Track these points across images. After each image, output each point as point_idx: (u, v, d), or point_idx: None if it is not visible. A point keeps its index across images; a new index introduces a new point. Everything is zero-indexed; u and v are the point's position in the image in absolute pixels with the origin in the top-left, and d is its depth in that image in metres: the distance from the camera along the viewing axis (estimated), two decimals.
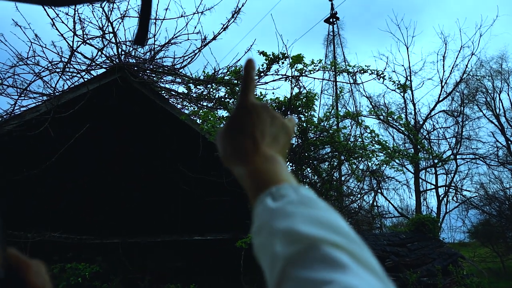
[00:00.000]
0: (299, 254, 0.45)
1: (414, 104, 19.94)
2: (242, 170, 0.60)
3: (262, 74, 6.16)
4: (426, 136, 20.03)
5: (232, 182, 6.23)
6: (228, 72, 6.08)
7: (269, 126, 0.65)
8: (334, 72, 6.52)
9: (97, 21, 5.77)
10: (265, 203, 0.53)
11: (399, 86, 6.50)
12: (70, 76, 6.14)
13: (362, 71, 6.28)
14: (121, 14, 6.05)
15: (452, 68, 19.74)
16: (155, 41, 5.99)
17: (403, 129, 12.10)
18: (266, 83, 6.15)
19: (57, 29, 5.21)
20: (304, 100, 6.31)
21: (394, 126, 14.95)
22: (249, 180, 0.58)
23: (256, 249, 0.52)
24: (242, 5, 5.35)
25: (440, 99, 19.80)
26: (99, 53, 5.92)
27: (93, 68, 6.13)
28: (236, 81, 5.93)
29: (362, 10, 34.04)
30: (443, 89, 19.81)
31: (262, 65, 6.20)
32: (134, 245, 6.81)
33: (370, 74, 6.20)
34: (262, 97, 6.35)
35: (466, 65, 19.51)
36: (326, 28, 20.80)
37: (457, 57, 19.66)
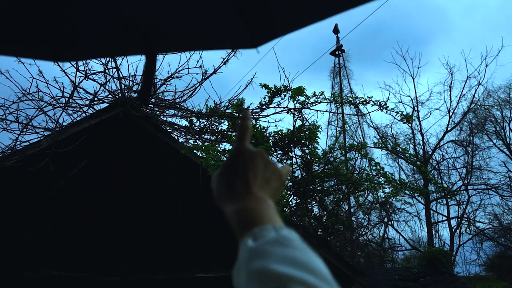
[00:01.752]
0: None
1: (422, 134, 19.81)
2: (232, 208, 0.63)
3: (264, 106, 6.14)
4: (436, 167, 19.76)
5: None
6: (230, 106, 6.07)
7: (262, 170, 0.69)
8: (336, 104, 6.48)
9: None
10: (246, 243, 0.55)
11: (403, 117, 6.45)
12: (73, 111, 6.16)
13: (365, 102, 6.25)
14: None
15: (459, 98, 19.70)
16: (155, 76, 6.02)
17: (413, 159, 11.95)
18: (268, 115, 6.13)
19: (59, 65, 5.27)
20: (307, 132, 6.25)
21: (402, 157, 14.79)
22: (237, 218, 0.61)
23: None
24: None
25: (449, 129, 19.67)
26: (102, 88, 5.96)
27: (96, 103, 6.16)
28: (237, 114, 5.92)
29: (369, 42, 34.45)
30: (451, 119, 19.71)
31: (264, 98, 6.20)
32: (134, 283, 6.63)
33: (372, 105, 6.17)
34: (264, 130, 6.30)
35: (473, 95, 19.48)
36: (333, 60, 20.88)
37: (463, 87, 19.66)
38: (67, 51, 0.97)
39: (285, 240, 0.53)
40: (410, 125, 19.57)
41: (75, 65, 5.55)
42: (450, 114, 19.74)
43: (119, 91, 6.16)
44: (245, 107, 6.05)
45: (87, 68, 5.69)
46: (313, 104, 6.01)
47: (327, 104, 6.26)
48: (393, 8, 35.17)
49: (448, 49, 37.09)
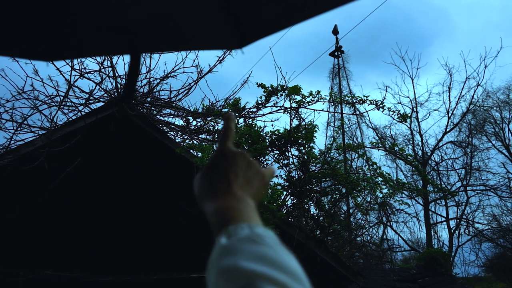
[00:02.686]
0: None
1: (421, 135, 19.82)
2: (212, 207, 0.63)
3: (260, 106, 6.11)
4: (435, 168, 19.74)
5: None
6: (226, 105, 6.04)
7: (244, 170, 0.70)
8: (333, 103, 6.45)
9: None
10: (219, 241, 0.55)
11: (399, 116, 6.42)
12: (69, 110, 6.12)
13: (361, 101, 6.22)
14: None
15: (458, 99, 19.69)
16: (149, 74, 5.99)
17: (410, 159, 11.93)
18: (264, 115, 6.09)
19: (53, 63, 5.23)
20: (303, 132, 6.22)
21: (400, 157, 14.79)
22: (214, 217, 0.61)
23: None
24: None
25: (447, 130, 19.66)
26: (97, 87, 5.92)
27: (91, 102, 6.12)
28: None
29: (371, 42, 34.43)
30: (450, 120, 19.70)
31: (261, 97, 6.17)
32: (129, 283, 6.59)
33: (369, 104, 6.15)
34: (260, 129, 6.26)
35: (472, 96, 19.49)
36: (332, 61, 20.85)
37: (462, 88, 19.65)
38: (50, 50, 0.96)
39: (258, 237, 0.54)
40: (409, 126, 19.58)
41: (70, 64, 5.52)
42: (449, 115, 19.76)
43: (114, 90, 6.12)
44: (241, 106, 6.03)
45: (83, 67, 5.65)
46: (310, 103, 5.99)
47: (323, 104, 6.26)
48: (395, 9, 35.13)
49: (449, 49, 37.13)
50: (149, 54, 5.74)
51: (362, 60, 33.11)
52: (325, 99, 6.02)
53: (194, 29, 0.94)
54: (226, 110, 6.00)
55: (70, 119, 6.15)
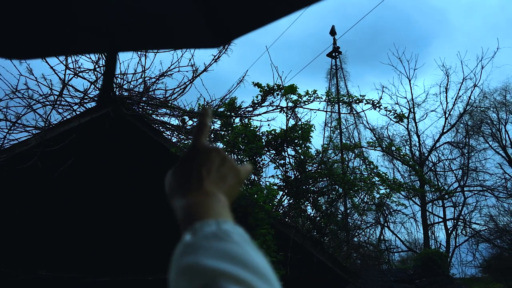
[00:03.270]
0: None
1: (418, 136, 19.82)
2: (181, 203, 0.61)
3: (256, 105, 6.08)
4: (432, 168, 19.75)
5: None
6: (222, 104, 6.00)
7: (217, 166, 0.68)
8: (329, 103, 6.43)
9: (88, 54, 5.73)
10: (183, 238, 0.52)
11: (395, 115, 6.41)
12: (64, 110, 6.08)
13: (358, 101, 6.20)
14: None
15: (455, 100, 19.72)
16: (144, 73, 5.95)
17: (407, 159, 11.91)
18: (260, 114, 6.06)
19: (47, 62, 5.19)
20: (299, 132, 6.19)
21: (398, 158, 14.78)
22: (182, 214, 0.59)
23: None
24: None
25: (445, 130, 19.69)
26: (92, 86, 5.88)
27: (86, 101, 6.08)
28: (229, 113, 5.84)
29: (369, 43, 34.41)
30: (447, 120, 19.73)
31: (257, 97, 6.13)
32: (126, 283, 6.54)
33: (365, 103, 6.13)
34: (257, 129, 6.23)
35: (469, 97, 19.51)
36: (330, 62, 20.83)
37: (459, 89, 19.67)
38: (23, 49, 0.93)
39: (224, 234, 0.51)
40: (406, 126, 19.59)
41: (64, 63, 5.47)
42: (446, 116, 19.78)
43: (109, 89, 6.07)
44: (237, 105, 6.00)
45: (77, 66, 5.61)
46: (306, 103, 5.97)
47: (319, 103, 6.23)
48: (394, 9, 35.16)
49: (448, 50, 37.18)
50: (144, 53, 5.70)
51: (360, 61, 33.18)
52: (321, 98, 6.01)
53: (173, 27, 0.91)
54: (222, 109, 5.96)
55: (65, 119, 6.11)
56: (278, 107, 6.02)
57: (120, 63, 6.11)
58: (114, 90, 6.16)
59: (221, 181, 0.67)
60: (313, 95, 5.88)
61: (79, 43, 0.93)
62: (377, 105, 6.04)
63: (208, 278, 0.44)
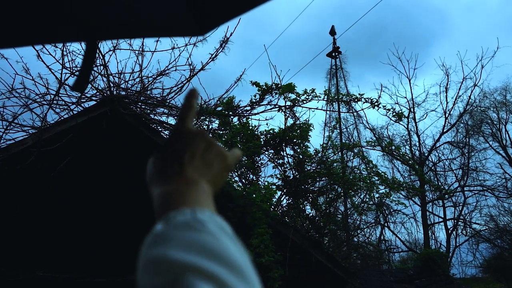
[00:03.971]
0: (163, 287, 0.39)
1: (418, 136, 19.80)
2: (159, 190, 0.57)
3: (255, 105, 6.04)
4: (432, 168, 19.72)
5: (226, 215, 6.00)
6: (220, 103, 5.97)
7: (202, 151, 0.63)
8: (327, 102, 6.38)
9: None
10: (154, 228, 0.48)
11: (394, 114, 6.38)
12: (61, 109, 6.04)
13: (356, 100, 6.17)
14: (113, 46, 6.01)
15: (455, 99, 19.69)
16: (141, 72, 5.91)
17: (406, 158, 11.88)
18: (258, 113, 6.02)
19: (43, 61, 5.15)
20: (298, 131, 6.15)
21: (396, 156, 14.75)
22: (159, 201, 0.54)
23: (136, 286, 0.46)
24: (231, 35, 5.28)
25: (445, 130, 19.65)
26: (89, 85, 5.84)
27: (84, 101, 6.04)
28: (227, 112, 5.81)
29: (371, 42, 34.34)
30: (447, 120, 19.70)
31: (255, 96, 6.10)
32: (123, 284, 6.51)
33: (364, 102, 6.09)
34: (255, 128, 6.20)
35: (469, 97, 19.48)
36: (330, 62, 20.81)
37: (459, 89, 19.65)
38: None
39: (198, 223, 0.47)
40: (406, 126, 19.56)
41: (60, 62, 5.44)
42: (446, 116, 19.75)
43: (107, 88, 6.04)
44: (235, 104, 5.98)
45: (73, 65, 5.57)
46: (304, 101, 5.94)
47: (318, 102, 6.19)
48: (395, 9, 35.09)
49: (449, 50, 37.14)
50: (141, 52, 5.67)
51: (361, 61, 33.11)
52: (320, 97, 5.98)
53: (154, 15, 0.89)
54: (219, 108, 5.94)
55: (62, 118, 6.08)
56: (276, 106, 5.99)
57: (117, 62, 6.06)
58: (112, 89, 6.13)
59: (205, 167, 0.62)
60: (311, 94, 5.86)
61: (57, 32, 0.89)
62: (376, 103, 6.02)
63: (174, 273, 0.40)
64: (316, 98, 5.87)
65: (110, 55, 6.00)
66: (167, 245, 0.43)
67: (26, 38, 0.92)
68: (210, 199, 0.58)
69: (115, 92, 6.06)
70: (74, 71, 5.53)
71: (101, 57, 5.97)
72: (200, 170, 0.61)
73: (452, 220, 19.35)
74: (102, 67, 5.95)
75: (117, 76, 6.01)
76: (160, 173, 0.60)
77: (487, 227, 18.95)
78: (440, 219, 19.53)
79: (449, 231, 19.07)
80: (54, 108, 5.99)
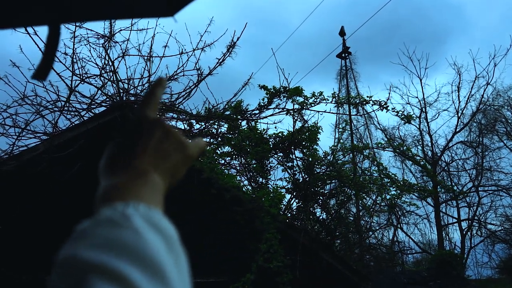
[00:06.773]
0: None
1: (430, 136, 19.58)
2: (104, 184, 0.53)
3: (263, 108, 6.05)
4: (445, 168, 19.48)
5: (225, 221, 5.99)
6: (228, 107, 5.98)
7: (158, 141, 0.59)
8: (336, 104, 6.35)
9: (94, 59, 5.77)
10: (79, 225, 0.44)
11: (403, 117, 6.32)
12: (71, 116, 6.12)
13: (365, 102, 6.13)
14: (122, 52, 6.07)
15: (468, 98, 19.43)
16: (150, 77, 5.96)
17: (417, 159, 11.75)
18: (266, 117, 6.04)
19: (53, 69, 5.22)
20: (307, 134, 6.14)
21: (409, 158, 14.60)
22: (99, 196, 0.51)
23: None
24: (237, 39, 5.30)
25: (457, 130, 19.40)
26: (99, 91, 5.92)
27: (94, 107, 6.11)
28: (235, 116, 5.83)
29: (383, 42, 34.01)
30: (459, 119, 19.44)
31: (263, 99, 6.11)
32: None
33: (372, 104, 6.06)
34: (264, 131, 6.20)
35: (482, 95, 19.20)
36: (341, 62, 20.68)
37: (472, 87, 19.37)
38: None
39: (121, 218, 0.43)
40: (418, 126, 19.37)
41: (70, 69, 5.51)
42: (459, 115, 19.50)
43: (116, 94, 6.11)
44: (244, 108, 5.99)
45: (83, 72, 5.65)
46: (312, 104, 5.92)
47: (326, 105, 6.15)
48: (410, 5, 34.65)
49: (463, 48, 36.60)
50: (149, 58, 5.71)
51: (375, 60, 32.78)
52: (328, 100, 5.95)
53: None
54: (228, 112, 5.95)
55: (73, 124, 6.15)
56: (285, 110, 5.99)
57: (126, 68, 6.13)
58: (121, 95, 6.19)
59: (161, 158, 0.58)
60: (319, 97, 5.85)
61: (17, 16, 0.85)
62: (384, 106, 5.97)
63: (79, 275, 0.36)
64: (324, 101, 5.87)
65: (119, 62, 6.08)
66: (81, 243, 0.40)
67: None
68: (158, 193, 0.54)
69: (124, 98, 6.13)
70: (84, 77, 5.61)
71: (111, 64, 6.04)
72: (154, 161, 0.57)
73: (467, 221, 19.07)
74: (111, 73, 6.02)
75: (126, 82, 6.08)
76: (109, 165, 0.56)
77: (502, 228, 18.65)
78: (454, 220, 19.28)
79: (464, 232, 18.79)
80: (65, 115, 6.07)
